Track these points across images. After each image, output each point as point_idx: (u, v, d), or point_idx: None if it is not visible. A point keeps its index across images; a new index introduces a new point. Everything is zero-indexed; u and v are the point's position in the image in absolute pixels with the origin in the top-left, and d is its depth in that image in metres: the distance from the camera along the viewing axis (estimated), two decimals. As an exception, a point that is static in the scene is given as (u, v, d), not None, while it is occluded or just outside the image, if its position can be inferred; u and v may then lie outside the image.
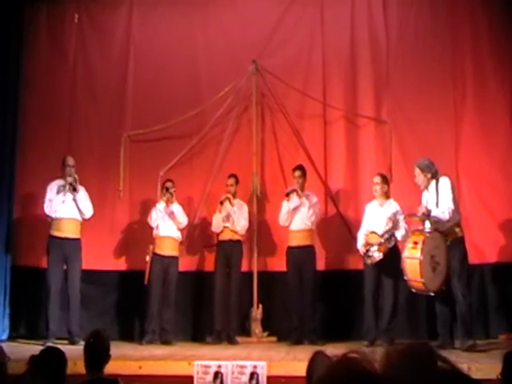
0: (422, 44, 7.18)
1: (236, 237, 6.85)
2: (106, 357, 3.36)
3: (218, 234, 6.92)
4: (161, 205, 6.82)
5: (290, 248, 6.68)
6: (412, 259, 5.53)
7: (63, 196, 6.62)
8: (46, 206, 6.62)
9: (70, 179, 6.65)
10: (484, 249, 6.64)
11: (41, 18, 7.80)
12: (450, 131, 6.98)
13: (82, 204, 6.72)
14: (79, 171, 7.04)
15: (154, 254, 6.82)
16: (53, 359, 3.36)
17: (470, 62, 7.05)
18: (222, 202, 6.82)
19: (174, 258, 6.86)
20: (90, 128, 7.57)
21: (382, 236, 6.09)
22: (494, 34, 7.00)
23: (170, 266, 6.80)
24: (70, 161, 6.78)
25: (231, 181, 6.91)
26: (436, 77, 7.08)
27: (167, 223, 6.86)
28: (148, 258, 6.80)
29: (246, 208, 6.97)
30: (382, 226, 6.17)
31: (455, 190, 5.95)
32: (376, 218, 6.29)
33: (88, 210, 6.78)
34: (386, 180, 6.44)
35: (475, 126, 6.94)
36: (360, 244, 6.27)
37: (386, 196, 6.41)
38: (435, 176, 5.89)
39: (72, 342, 6.34)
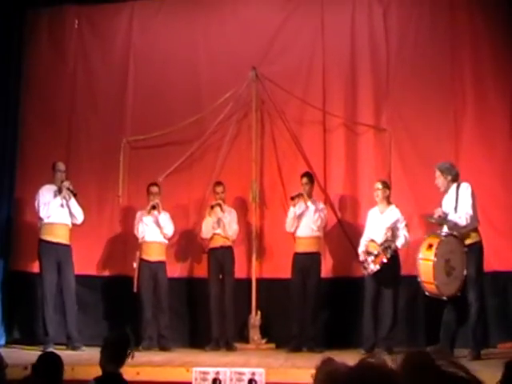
0: (422, 53, 7.19)
1: (227, 243, 6.84)
2: (127, 355, 3.39)
3: (208, 242, 6.90)
4: (147, 219, 6.81)
5: (296, 254, 6.68)
6: (426, 261, 5.51)
7: (61, 200, 6.63)
8: (41, 209, 6.60)
9: (66, 184, 6.65)
10: (485, 258, 6.62)
11: (42, 22, 7.84)
12: (450, 140, 6.98)
13: (74, 209, 6.72)
14: (78, 177, 7.07)
15: (141, 259, 6.80)
16: (50, 364, 3.36)
17: (470, 71, 7.06)
18: (212, 207, 6.82)
19: (162, 263, 6.85)
20: (90, 133, 7.58)
21: (380, 245, 6.10)
22: (494, 44, 7.01)
23: (159, 271, 6.78)
24: (62, 166, 6.80)
25: (220, 188, 6.90)
26: (436, 86, 7.09)
27: (153, 229, 6.84)
28: (135, 265, 6.78)
29: (235, 213, 6.97)
30: (381, 235, 6.19)
31: (475, 196, 5.86)
32: (376, 226, 6.31)
33: (80, 215, 6.79)
34: (387, 185, 6.47)
35: (475, 135, 6.94)
36: (360, 250, 6.29)
37: (388, 202, 6.43)
38: (456, 179, 5.85)
39: (73, 348, 6.33)
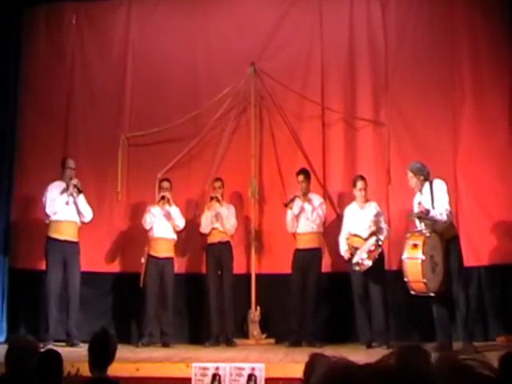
0: (421, 48, 7.19)
1: (225, 238, 6.84)
2: (111, 356, 3.35)
3: (206, 237, 6.90)
4: (155, 209, 6.80)
5: (297, 250, 6.67)
6: (413, 260, 5.52)
7: (67, 197, 6.62)
8: (48, 205, 6.59)
9: (74, 181, 6.64)
10: (482, 251, 6.64)
11: (40, 19, 7.82)
12: (449, 134, 6.99)
13: (82, 207, 6.71)
14: (76, 173, 7.03)
15: (149, 255, 6.80)
16: (51, 361, 3.36)
17: (469, 65, 7.05)
18: (211, 198, 6.80)
19: (170, 260, 6.84)
20: (88, 130, 7.56)
21: (366, 239, 6.13)
22: (493, 38, 7.00)
23: (166, 267, 6.77)
24: (71, 163, 6.77)
25: (218, 184, 6.90)
26: (434, 80, 7.08)
27: (162, 224, 6.83)
28: (143, 260, 6.78)
29: (233, 208, 6.97)
30: (364, 229, 6.24)
31: (449, 191, 5.97)
32: (357, 221, 6.37)
33: (88, 213, 6.77)
34: (366, 182, 6.53)
35: (473, 129, 6.94)
36: (343, 249, 6.33)
37: (366, 198, 6.46)
38: (427, 178, 5.93)
39: (71, 345, 6.33)
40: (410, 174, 5.97)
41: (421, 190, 5.94)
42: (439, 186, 5.88)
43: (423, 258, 5.46)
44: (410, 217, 6.01)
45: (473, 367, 1.30)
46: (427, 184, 5.90)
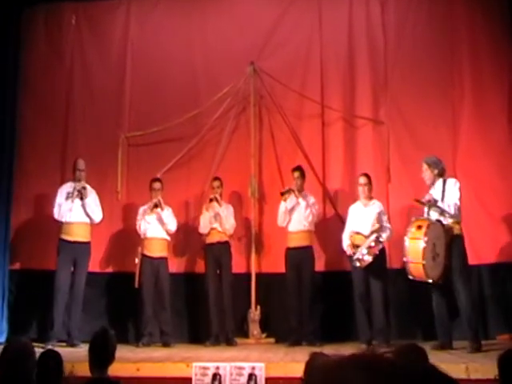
0: (420, 46, 7.19)
1: (224, 238, 6.83)
2: (111, 356, 3.34)
3: (205, 237, 6.89)
4: (150, 217, 6.79)
5: (288, 249, 6.67)
6: (416, 240, 5.51)
7: (71, 202, 6.61)
8: (55, 210, 6.63)
9: (78, 187, 6.64)
10: (482, 249, 6.63)
11: (39, 19, 7.84)
12: (448, 132, 6.99)
13: (90, 209, 6.70)
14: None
15: (143, 255, 6.80)
16: (50, 362, 3.36)
17: (468, 63, 7.06)
18: (211, 200, 6.80)
19: (164, 259, 6.85)
20: (88, 130, 7.57)
21: (367, 237, 6.12)
22: (492, 36, 7.01)
23: (160, 267, 6.78)
24: (81, 165, 6.76)
25: (217, 183, 6.89)
26: (434, 78, 7.08)
27: (155, 226, 6.83)
28: (137, 261, 6.78)
29: (232, 208, 6.97)
30: (366, 227, 6.23)
31: (461, 190, 5.96)
32: (361, 219, 6.35)
33: (97, 215, 6.78)
34: (370, 180, 6.50)
35: (473, 127, 6.94)
36: (346, 244, 6.30)
37: (370, 196, 6.46)
38: (442, 174, 5.92)
39: (72, 345, 6.33)
40: (425, 166, 5.96)
41: (433, 184, 5.92)
42: (452, 183, 5.88)
43: (425, 239, 5.45)
44: (417, 201, 5.95)
45: (388, 358, 1.30)
46: (440, 181, 5.88)
